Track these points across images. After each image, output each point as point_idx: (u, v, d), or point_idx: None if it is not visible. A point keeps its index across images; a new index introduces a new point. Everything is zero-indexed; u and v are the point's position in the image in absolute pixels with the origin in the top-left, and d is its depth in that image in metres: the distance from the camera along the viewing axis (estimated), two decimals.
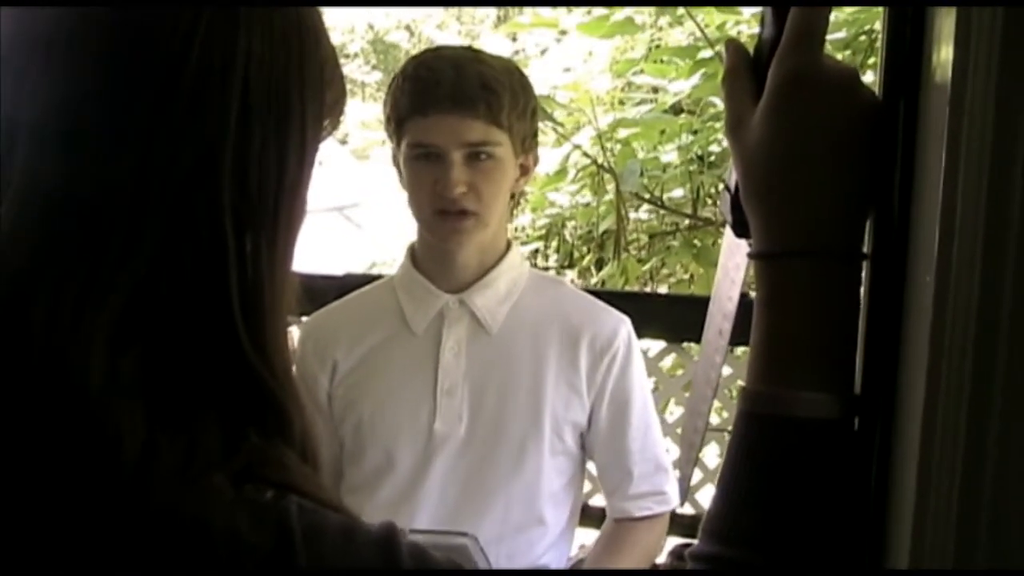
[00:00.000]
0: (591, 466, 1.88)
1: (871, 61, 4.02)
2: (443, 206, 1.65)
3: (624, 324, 1.76)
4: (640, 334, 2.91)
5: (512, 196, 1.73)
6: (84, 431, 0.54)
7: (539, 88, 4.49)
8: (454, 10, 11.18)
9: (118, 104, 0.57)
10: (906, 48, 0.67)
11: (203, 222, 0.58)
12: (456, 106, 1.60)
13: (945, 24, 0.58)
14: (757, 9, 4.18)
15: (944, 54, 0.57)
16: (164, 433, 0.55)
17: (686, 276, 4.66)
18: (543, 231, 4.84)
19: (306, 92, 0.62)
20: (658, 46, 4.61)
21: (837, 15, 4.18)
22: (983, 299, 0.54)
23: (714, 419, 3.51)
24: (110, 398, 0.55)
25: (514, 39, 6.07)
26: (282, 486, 0.58)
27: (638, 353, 1.78)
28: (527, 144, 1.69)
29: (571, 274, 4.94)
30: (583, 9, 4.63)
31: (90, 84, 0.57)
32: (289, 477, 0.59)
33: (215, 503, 0.55)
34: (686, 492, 2.11)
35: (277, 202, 0.61)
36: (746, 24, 4.31)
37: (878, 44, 3.93)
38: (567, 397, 1.70)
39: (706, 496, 3.32)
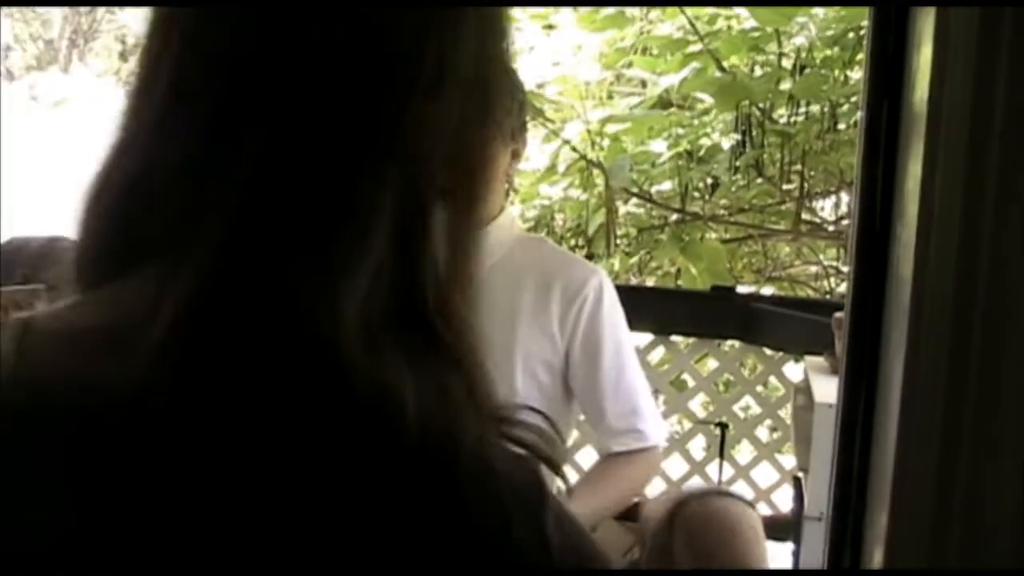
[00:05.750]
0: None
1: (859, 57, 4.04)
2: None
3: (596, 274, 1.93)
4: (628, 327, 2.93)
5: (507, 180, 1.90)
6: (362, 402, 0.58)
7: (527, 84, 4.49)
8: None
9: (365, 91, 0.61)
10: (890, 48, 0.68)
11: (423, 199, 0.63)
12: None
13: (926, 25, 0.59)
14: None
15: (924, 54, 0.59)
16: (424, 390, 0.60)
17: (673, 269, 4.67)
18: (532, 222, 4.84)
19: (502, 84, 0.69)
20: (648, 38, 4.61)
21: (827, 12, 4.19)
22: (959, 286, 0.56)
23: (700, 413, 3.52)
24: (374, 367, 0.59)
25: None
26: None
27: (611, 301, 1.92)
28: (516, 134, 1.84)
29: None
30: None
31: (339, 77, 0.61)
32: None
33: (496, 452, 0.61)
34: None
35: (473, 179, 0.67)
36: (735, 19, 4.32)
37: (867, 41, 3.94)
38: (539, 339, 1.87)
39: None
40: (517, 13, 4.90)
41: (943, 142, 0.56)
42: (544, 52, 4.90)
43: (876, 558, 0.61)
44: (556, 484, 0.66)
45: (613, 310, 1.92)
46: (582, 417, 2.13)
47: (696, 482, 3.37)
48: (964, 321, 0.56)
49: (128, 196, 0.63)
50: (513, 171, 1.91)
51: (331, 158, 0.60)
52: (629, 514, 1.91)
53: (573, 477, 2.13)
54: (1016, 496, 0.56)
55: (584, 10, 4.49)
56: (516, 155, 1.85)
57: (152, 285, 0.60)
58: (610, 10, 4.38)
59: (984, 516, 0.56)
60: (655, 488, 3.29)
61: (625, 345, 1.97)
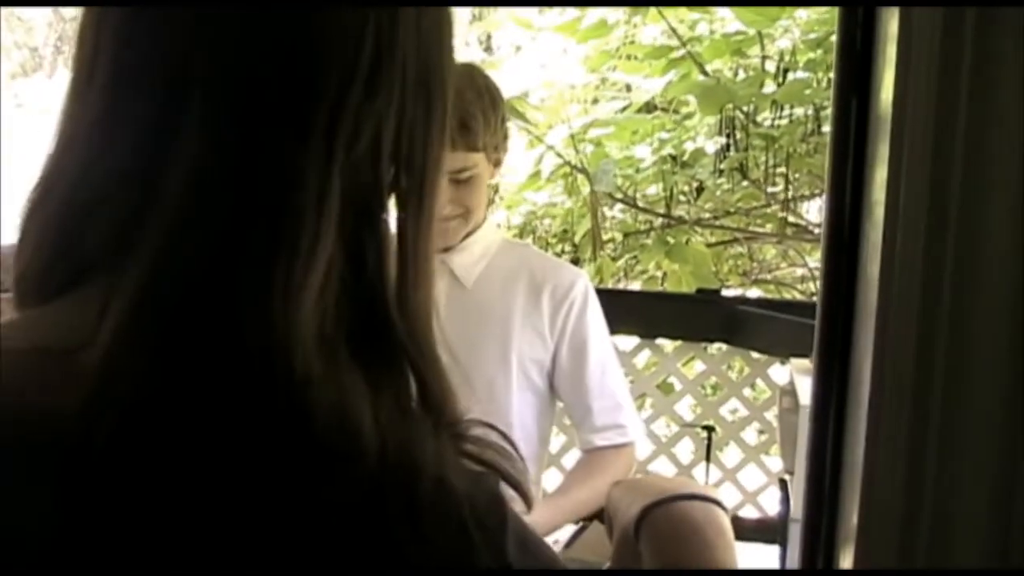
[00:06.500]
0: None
1: None
2: None
3: (581, 277, 2.03)
4: (614, 331, 2.96)
5: (489, 186, 1.95)
6: (315, 411, 0.57)
7: (513, 89, 4.51)
8: None
9: (305, 86, 0.60)
10: (857, 49, 0.69)
11: (371, 199, 0.62)
12: None
13: (891, 25, 0.59)
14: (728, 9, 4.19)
15: (889, 54, 0.59)
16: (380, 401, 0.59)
17: (659, 273, 4.68)
18: (517, 229, 4.84)
19: (446, 79, 0.67)
20: (632, 42, 4.62)
21: (810, 15, 4.21)
22: (924, 287, 0.56)
23: (687, 416, 3.52)
24: (330, 382, 0.57)
25: (488, 37, 6.07)
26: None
27: (595, 303, 2.01)
28: (499, 147, 1.91)
29: None
30: (556, 10, 4.64)
31: (277, 68, 0.60)
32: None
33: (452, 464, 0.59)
34: None
35: (424, 178, 0.65)
36: (719, 23, 4.33)
37: None
38: (532, 339, 1.95)
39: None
40: (503, 16, 4.91)
41: (908, 142, 0.56)
42: (530, 55, 4.91)
43: (847, 558, 0.61)
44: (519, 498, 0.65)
45: (597, 311, 2.00)
46: (568, 421, 2.17)
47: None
48: (929, 322, 0.56)
49: (68, 207, 0.62)
50: (496, 176, 1.97)
51: (271, 154, 0.59)
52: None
53: (559, 480, 2.17)
54: (984, 495, 0.56)
55: (565, 19, 4.50)
56: (498, 162, 1.91)
57: (94, 302, 0.58)
58: (592, 19, 4.39)
59: (952, 516, 0.56)
60: None
61: (608, 344, 2.04)
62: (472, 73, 1.87)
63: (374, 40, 0.61)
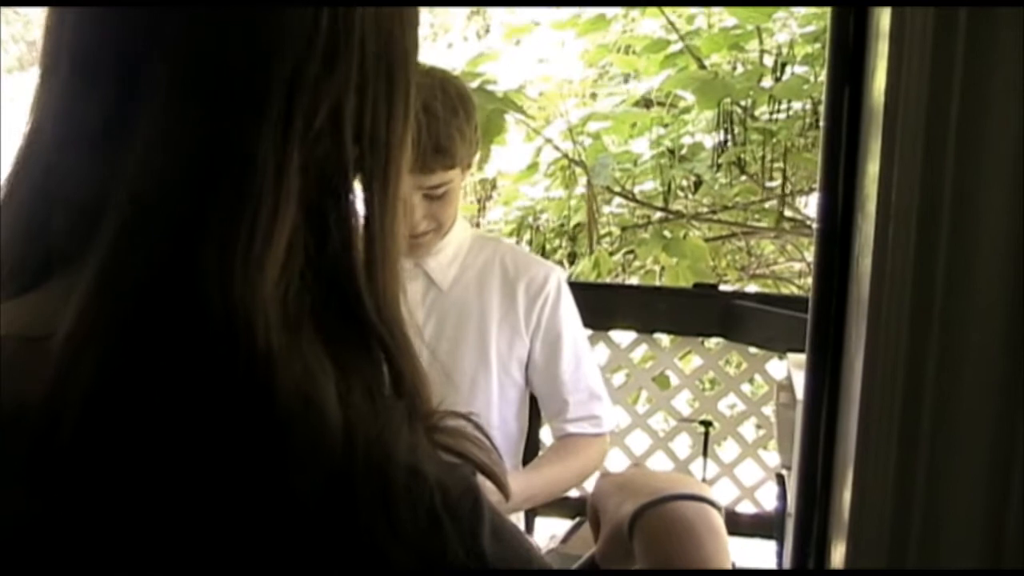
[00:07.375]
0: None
1: None
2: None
3: (555, 272, 2.04)
4: (611, 325, 2.94)
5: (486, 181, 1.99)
6: (278, 388, 0.56)
7: (510, 82, 4.50)
8: None
9: (261, 62, 0.60)
10: (850, 44, 0.68)
11: (334, 174, 0.62)
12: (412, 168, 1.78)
13: (883, 20, 0.59)
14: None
15: (882, 49, 0.58)
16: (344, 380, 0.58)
17: (656, 267, 4.67)
18: (515, 224, 4.83)
19: (408, 53, 0.67)
20: (630, 34, 4.61)
21: (807, 8, 4.20)
22: (917, 280, 0.56)
23: (684, 411, 3.52)
24: (291, 353, 0.57)
25: (487, 31, 6.05)
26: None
27: (568, 298, 2.03)
28: (472, 152, 1.89)
29: None
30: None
31: (233, 45, 0.60)
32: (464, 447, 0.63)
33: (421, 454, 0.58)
34: None
35: (388, 155, 0.65)
36: (717, 17, 4.32)
37: None
38: (510, 337, 1.97)
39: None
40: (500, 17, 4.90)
41: (900, 136, 0.56)
42: (529, 47, 4.90)
43: (839, 554, 0.61)
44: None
45: (570, 305, 2.02)
46: None
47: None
48: (922, 316, 0.55)
49: (38, 197, 0.62)
50: (466, 179, 1.97)
51: (229, 131, 0.59)
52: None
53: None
54: (976, 491, 0.55)
55: (562, 17, 4.49)
56: (470, 166, 1.92)
57: (63, 289, 0.58)
58: (590, 13, 4.38)
59: (944, 512, 0.56)
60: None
61: (581, 337, 2.05)
62: (444, 86, 1.83)
63: (330, 15, 0.61)
